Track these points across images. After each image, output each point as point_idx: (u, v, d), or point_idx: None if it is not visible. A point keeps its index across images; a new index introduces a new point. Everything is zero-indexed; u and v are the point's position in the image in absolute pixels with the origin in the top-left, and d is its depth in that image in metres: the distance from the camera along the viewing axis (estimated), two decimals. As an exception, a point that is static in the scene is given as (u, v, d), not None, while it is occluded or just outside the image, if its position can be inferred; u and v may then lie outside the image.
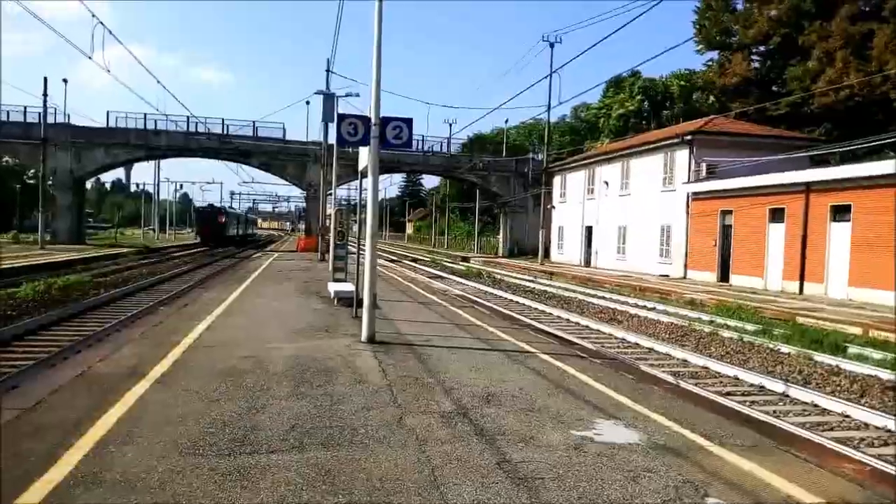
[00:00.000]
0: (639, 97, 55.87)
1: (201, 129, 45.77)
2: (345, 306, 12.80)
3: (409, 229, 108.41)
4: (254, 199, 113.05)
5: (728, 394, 8.75)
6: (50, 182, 42.49)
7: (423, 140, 49.80)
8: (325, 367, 7.48)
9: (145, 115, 45.49)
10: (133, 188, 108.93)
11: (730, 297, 19.55)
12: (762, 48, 44.12)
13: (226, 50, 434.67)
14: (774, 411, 7.94)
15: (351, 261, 15.50)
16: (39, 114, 38.77)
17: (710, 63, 48.83)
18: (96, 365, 7.30)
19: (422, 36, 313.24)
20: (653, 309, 17.84)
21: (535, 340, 10.63)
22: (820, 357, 11.09)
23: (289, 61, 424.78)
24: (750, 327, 14.37)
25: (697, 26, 46.89)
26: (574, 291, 22.76)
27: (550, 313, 17.15)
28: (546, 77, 38.78)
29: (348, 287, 13.63)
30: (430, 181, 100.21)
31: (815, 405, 8.26)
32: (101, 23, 18.77)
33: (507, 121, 70.19)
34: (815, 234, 21.72)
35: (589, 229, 38.62)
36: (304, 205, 55.15)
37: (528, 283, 26.50)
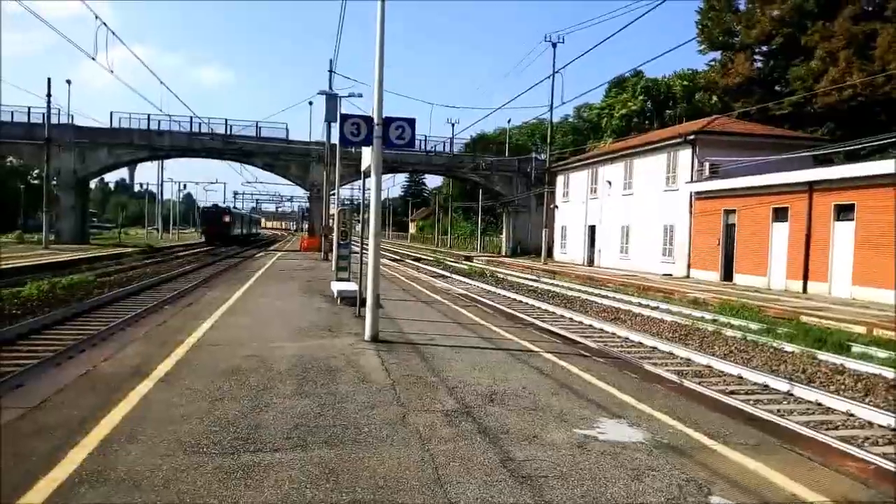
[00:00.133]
0: (641, 97, 55.80)
1: (204, 129, 45.86)
2: (348, 305, 12.81)
3: (412, 229, 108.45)
4: (257, 200, 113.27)
5: (732, 392, 8.74)
6: (54, 182, 42.60)
7: (425, 140, 49.87)
8: (328, 366, 7.49)
9: (149, 115, 45.63)
10: (137, 188, 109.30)
11: (733, 296, 19.52)
12: (765, 48, 44.02)
13: (228, 50, 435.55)
14: (778, 410, 7.93)
15: (354, 260, 15.52)
16: (43, 114, 38.85)
17: (712, 63, 48.80)
18: (101, 364, 7.31)
19: (423, 36, 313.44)
20: (656, 308, 17.82)
21: (538, 339, 10.62)
22: (824, 356, 11.07)
23: (291, 61, 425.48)
24: (753, 326, 14.35)
25: (700, 26, 46.82)
26: (577, 290, 22.75)
27: (554, 312, 17.14)
28: (549, 77, 38.84)
29: (351, 286, 13.64)
30: (432, 181, 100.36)
31: (819, 404, 8.25)
32: (104, 23, 18.79)
33: (509, 121, 70.37)
34: (818, 234, 21.67)
35: (592, 229, 38.59)
36: (308, 205, 55.18)
37: (531, 283, 26.50)
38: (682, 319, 15.63)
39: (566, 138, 63.38)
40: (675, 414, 6.01)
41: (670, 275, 29.31)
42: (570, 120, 70.27)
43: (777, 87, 41.88)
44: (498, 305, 18.14)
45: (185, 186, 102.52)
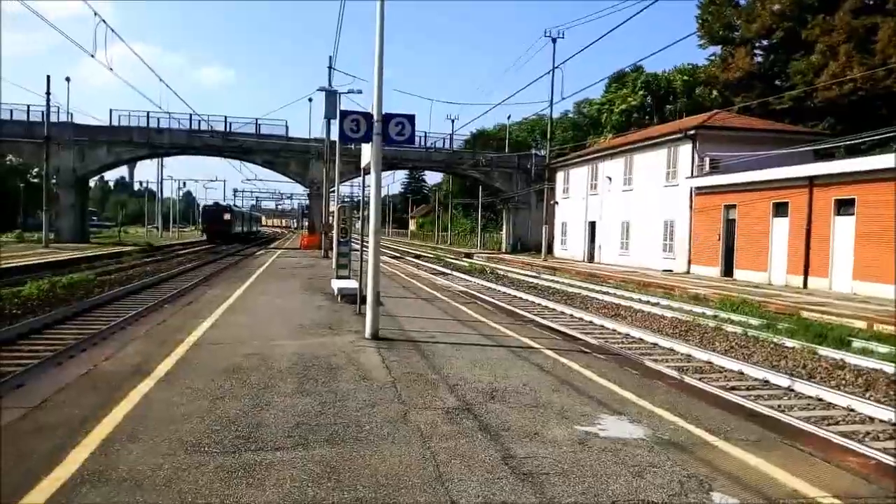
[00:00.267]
0: (641, 92, 55.72)
1: (204, 126, 45.80)
2: (348, 303, 12.81)
3: (412, 226, 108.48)
4: (257, 197, 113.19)
5: (732, 388, 8.75)
6: (53, 181, 42.56)
7: (425, 136, 49.81)
8: (329, 364, 7.49)
9: (148, 113, 45.56)
10: (136, 186, 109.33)
11: (734, 291, 19.52)
12: (765, 42, 43.92)
13: (228, 48, 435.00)
14: (779, 405, 7.93)
15: (354, 258, 15.51)
16: (42, 112, 38.80)
17: (712, 58, 48.70)
18: (101, 363, 7.32)
19: (423, 36, 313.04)
20: (656, 304, 17.83)
21: (538, 336, 10.63)
22: (824, 351, 11.08)
23: (291, 59, 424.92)
24: (754, 322, 14.35)
25: (700, 21, 46.69)
26: (577, 287, 22.75)
27: (554, 309, 17.14)
28: (548, 73, 38.76)
29: (352, 284, 13.64)
30: (432, 177, 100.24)
31: (820, 399, 8.25)
32: (104, 21, 18.78)
33: (509, 117, 70.41)
34: (819, 229, 21.66)
35: (592, 225, 38.57)
36: (307, 202, 55.15)
37: (531, 279, 26.50)
38: (683, 315, 15.63)
39: (566, 134, 63.34)
40: (676, 410, 6.01)
41: (671, 270, 29.31)
42: (570, 116, 70.23)
43: (777, 82, 41.79)
44: (498, 302, 18.15)
45: (184, 184, 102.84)
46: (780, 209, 23.57)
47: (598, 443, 4.97)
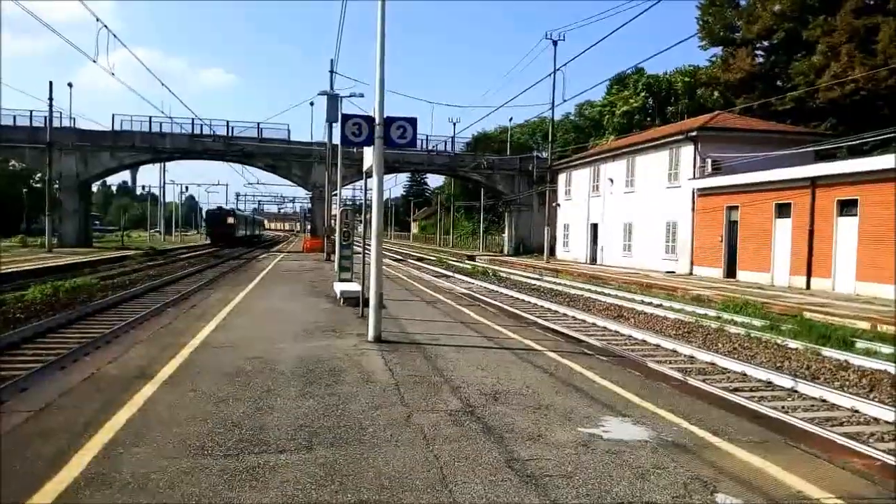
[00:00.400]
0: (643, 94, 55.68)
1: (206, 131, 45.88)
2: (351, 306, 12.82)
3: (415, 228, 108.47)
4: (259, 201, 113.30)
5: (736, 390, 8.73)
6: (56, 186, 42.66)
7: (427, 139, 49.84)
8: (332, 366, 7.49)
9: (150, 118, 45.67)
10: (139, 191, 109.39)
11: (736, 292, 19.49)
12: (766, 43, 43.91)
13: (230, 53, 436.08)
14: (783, 407, 7.92)
15: (357, 260, 15.52)
16: (45, 118, 38.95)
17: (713, 59, 48.69)
18: (105, 367, 7.32)
19: (424, 39, 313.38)
20: (659, 305, 17.80)
21: (541, 338, 10.62)
22: (828, 352, 11.06)
23: (294, 63, 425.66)
24: (757, 323, 14.33)
25: (701, 22, 46.72)
26: (580, 289, 22.73)
27: (556, 311, 17.13)
28: (550, 75, 38.76)
29: (354, 287, 13.65)
30: (434, 180, 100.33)
31: (824, 400, 8.24)
32: (105, 26, 18.83)
33: (511, 119, 70.40)
34: (821, 229, 21.63)
35: (594, 226, 38.55)
36: (310, 205, 55.21)
37: (533, 281, 26.49)
38: (686, 317, 15.61)
39: (568, 136, 63.28)
40: (680, 411, 6.01)
41: (673, 272, 29.28)
42: (572, 118, 70.15)
43: (779, 83, 41.76)
44: (501, 304, 18.14)
45: (187, 188, 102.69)
46: (783, 210, 23.54)
47: (601, 445, 4.97)
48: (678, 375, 9.30)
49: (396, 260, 41.42)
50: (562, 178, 44.13)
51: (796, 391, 8.70)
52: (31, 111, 43.22)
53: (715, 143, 28.69)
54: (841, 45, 35.21)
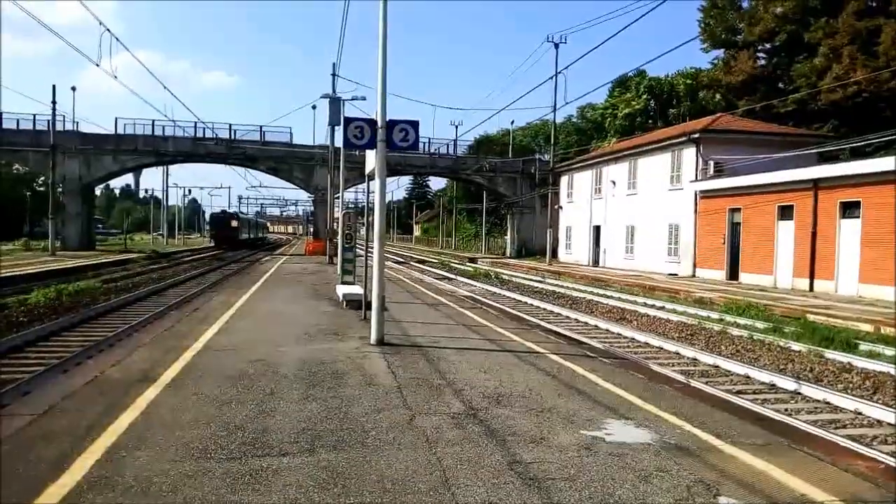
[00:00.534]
0: (645, 96, 55.72)
1: (209, 134, 45.94)
2: (353, 309, 12.82)
3: (417, 231, 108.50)
4: (262, 204, 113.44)
5: (739, 392, 8.72)
6: (59, 189, 42.75)
7: (429, 142, 49.87)
8: (334, 369, 7.49)
9: (153, 121, 45.73)
10: (141, 194, 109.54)
11: (739, 295, 19.47)
12: (768, 45, 43.92)
13: (232, 55, 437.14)
14: (786, 409, 7.90)
15: (359, 263, 15.53)
16: (48, 121, 39.04)
17: (715, 61, 48.69)
18: (108, 370, 7.33)
19: (425, 41, 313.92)
20: (661, 308, 17.78)
21: (544, 341, 10.61)
22: (831, 354, 11.03)
23: (296, 64, 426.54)
24: (760, 325, 14.31)
25: (703, 24, 46.75)
26: (582, 291, 22.72)
27: (559, 313, 17.12)
28: (551, 78, 38.81)
29: (357, 290, 13.65)
30: (436, 183, 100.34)
31: (827, 403, 8.22)
32: (108, 30, 18.92)
33: (513, 122, 70.33)
34: (824, 231, 21.59)
35: (597, 229, 38.54)
36: (312, 208, 55.26)
37: (536, 284, 26.47)
38: (688, 319, 15.59)
39: (570, 139, 63.33)
40: (683, 414, 6.00)
41: (676, 274, 29.25)
42: (574, 120, 70.22)
43: (781, 85, 41.76)
44: (503, 307, 18.13)
45: (189, 191, 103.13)
46: (785, 212, 23.51)
47: (604, 447, 4.96)
48: (681, 378, 9.28)
49: (399, 263, 41.44)
50: (564, 180, 44.14)
51: (799, 394, 8.69)
52: (34, 115, 43.32)
53: (717, 145, 28.68)
54: (843, 46, 35.21)
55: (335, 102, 29.98)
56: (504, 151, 59.71)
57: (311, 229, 56.28)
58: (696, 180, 28.75)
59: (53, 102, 37.57)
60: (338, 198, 34.95)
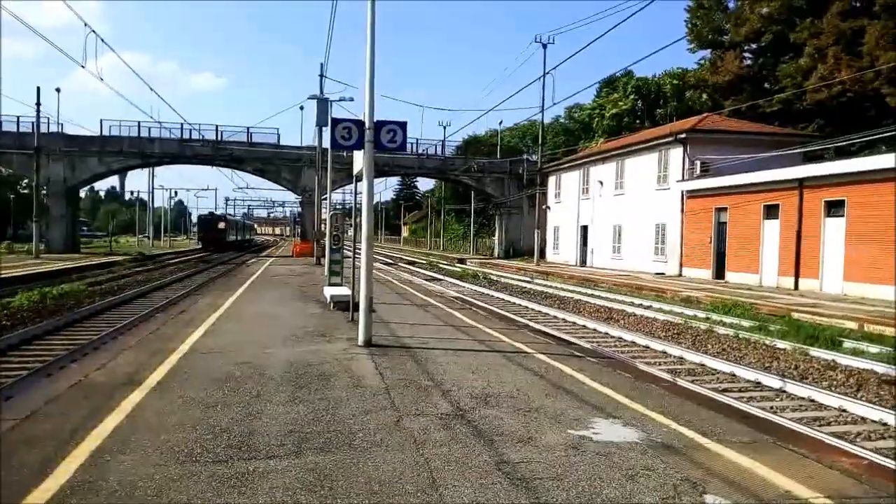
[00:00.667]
0: (632, 96, 55.96)
1: (195, 135, 45.72)
2: (341, 310, 12.78)
3: (405, 232, 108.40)
4: (248, 205, 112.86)
5: (725, 390, 8.77)
6: (44, 191, 42.34)
7: (417, 143, 49.89)
8: (322, 371, 7.46)
9: (139, 122, 45.48)
10: (127, 196, 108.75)
11: (725, 293, 19.59)
12: (754, 46, 44.30)
13: (222, 55, 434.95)
14: (771, 407, 7.96)
15: (347, 265, 15.49)
16: (32, 123, 38.66)
17: (702, 61, 49.04)
18: (92, 373, 7.26)
19: (414, 37, 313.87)
20: (649, 307, 17.86)
21: (531, 341, 10.63)
22: (816, 352, 11.13)
23: (286, 65, 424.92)
24: (746, 324, 14.40)
25: (689, 25, 47.07)
26: (570, 291, 22.78)
27: (547, 313, 17.15)
28: (539, 78, 38.91)
29: (344, 291, 13.61)
30: (424, 183, 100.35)
31: (812, 400, 8.28)
32: (94, 31, 18.76)
33: (500, 122, 70.49)
34: (809, 230, 21.79)
35: (584, 229, 38.68)
36: (300, 210, 55.08)
37: (524, 284, 26.51)
38: (675, 318, 15.67)
39: (557, 139, 63.50)
40: (669, 413, 6.02)
41: (663, 273, 29.41)
42: (562, 121, 70.44)
43: (766, 85, 42.11)
44: (491, 307, 18.15)
45: (176, 193, 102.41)
46: (771, 211, 23.71)
47: (591, 447, 4.97)
48: (668, 377, 9.33)
49: (387, 263, 41.38)
50: (551, 180, 44.26)
51: (785, 391, 8.75)
52: (18, 116, 42.97)
53: (704, 145, 28.87)
54: (828, 47, 35.56)
55: (323, 103, 29.95)
56: (492, 152, 59.80)
57: (299, 231, 56.10)
58: (683, 180, 28.92)
59: (38, 104, 37.24)
60: (325, 199, 34.86)
